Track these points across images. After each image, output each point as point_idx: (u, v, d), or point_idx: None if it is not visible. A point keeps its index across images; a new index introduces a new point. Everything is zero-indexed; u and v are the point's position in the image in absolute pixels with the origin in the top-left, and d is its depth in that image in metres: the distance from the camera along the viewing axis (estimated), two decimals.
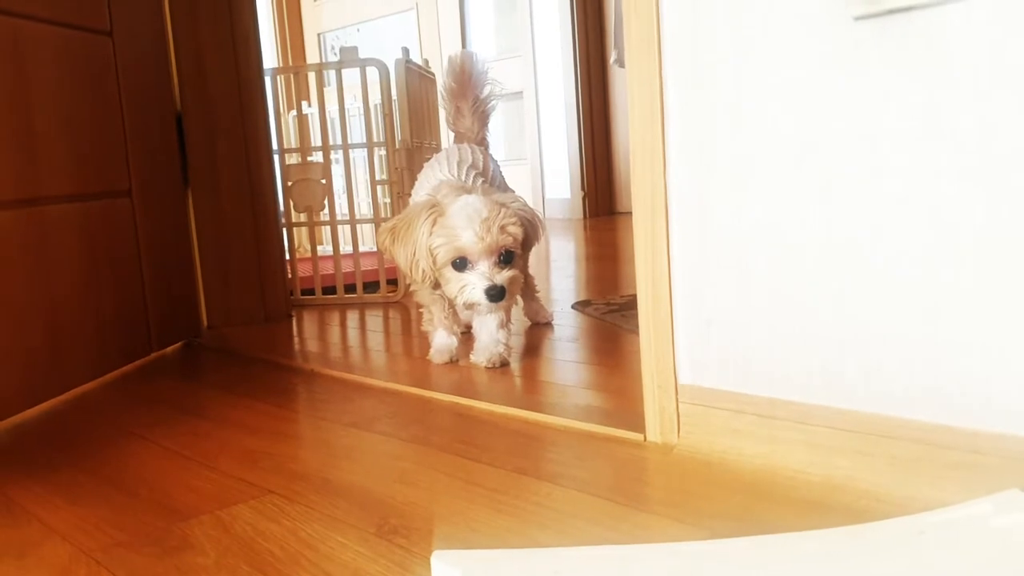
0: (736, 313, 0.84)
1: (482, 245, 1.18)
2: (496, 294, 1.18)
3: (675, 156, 0.86)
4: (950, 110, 0.68)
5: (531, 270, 1.60)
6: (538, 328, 1.58)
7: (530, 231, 1.25)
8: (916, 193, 0.71)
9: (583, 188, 4.24)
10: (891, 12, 0.69)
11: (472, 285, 1.19)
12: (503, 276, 1.19)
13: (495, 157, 1.54)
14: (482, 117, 1.52)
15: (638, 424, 0.94)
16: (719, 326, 0.86)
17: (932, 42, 0.68)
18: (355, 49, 1.96)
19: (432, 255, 1.21)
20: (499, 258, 1.20)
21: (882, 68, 0.71)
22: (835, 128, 0.74)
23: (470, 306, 1.22)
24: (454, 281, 1.21)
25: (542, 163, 4.40)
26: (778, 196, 0.79)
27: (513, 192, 1.50)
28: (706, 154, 0.84)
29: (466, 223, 1.18)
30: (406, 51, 1.97)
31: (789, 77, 0.77)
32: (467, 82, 1.50)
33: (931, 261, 0.70)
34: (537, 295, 1.62)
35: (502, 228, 1.19)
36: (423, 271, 1.22)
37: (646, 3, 0.85)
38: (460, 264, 1.20)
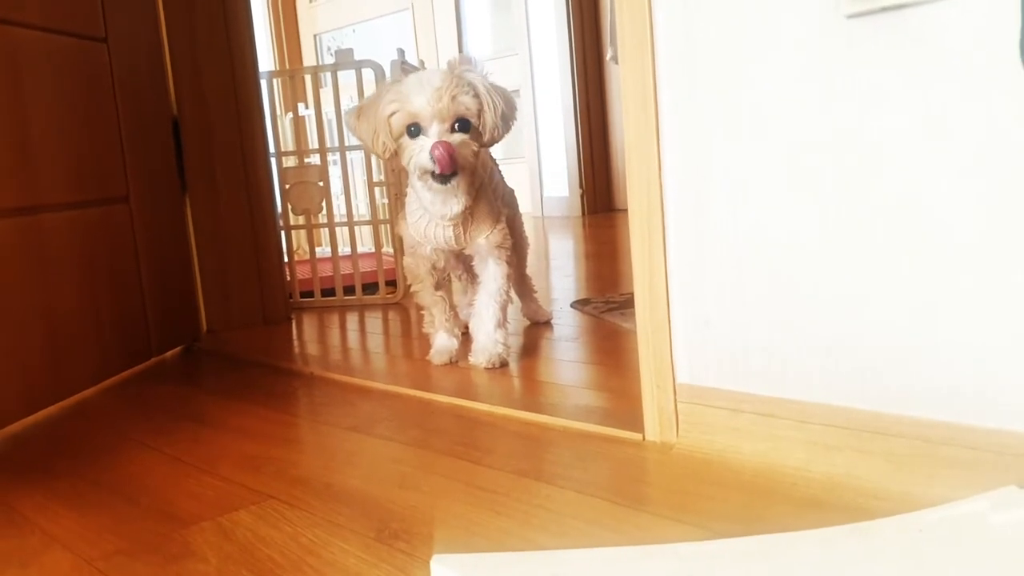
0: (734, 312, 0.84)
1: (432, 110, 1.19)
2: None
3: (670, 155, 0.86)
4: (946, 109, 0.68)
5: (529, 269, 1.60)
6: (537, 327, 1.58)
7: (485, 103, 1.23)
8: (913, 192, 0.71)
9: (581, 186, 4.23)
10: (883, 10, 0.69)
11: (422, 148, 1.20)
12: (452, 138, 1.20)
13: (494, 156, 1.53)
14: None
15: (637, 424, 0.94)
16: (717, 325, 0.86)
17: (926, 40, 0.68)
18: (351, 51, 1.96)
19: (389, 125, 1.23)
20: (453, 127, 1.21)
21: (877, 67, 0.71)
22: (832, 127, 0.74)
23: (423, 174, 1.22)
24: (407, 148, 1.23)
25: (540, 161, 4.40)
26: (775, 195, 0.79)
27: (512, 190, 1.51)
28: (701, 153, 0.84)
29: (418, 89, 1.20)
30: (402, 52, 1.97)
31: (783, 76, 0.77)
32: None
33: (929, 260, 0.71)
34: (535, 294, 1.62)
35: (453, 97, 1.19)
36: (383, 144, 1.24)
37: (639, 3, 0.85)
38: (414, 132, 1.22)
